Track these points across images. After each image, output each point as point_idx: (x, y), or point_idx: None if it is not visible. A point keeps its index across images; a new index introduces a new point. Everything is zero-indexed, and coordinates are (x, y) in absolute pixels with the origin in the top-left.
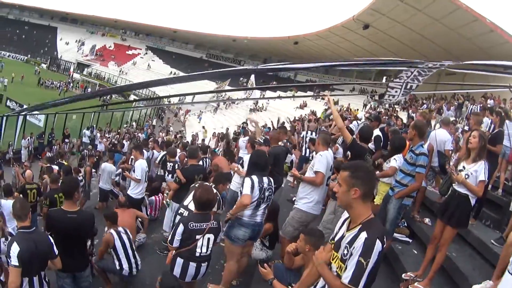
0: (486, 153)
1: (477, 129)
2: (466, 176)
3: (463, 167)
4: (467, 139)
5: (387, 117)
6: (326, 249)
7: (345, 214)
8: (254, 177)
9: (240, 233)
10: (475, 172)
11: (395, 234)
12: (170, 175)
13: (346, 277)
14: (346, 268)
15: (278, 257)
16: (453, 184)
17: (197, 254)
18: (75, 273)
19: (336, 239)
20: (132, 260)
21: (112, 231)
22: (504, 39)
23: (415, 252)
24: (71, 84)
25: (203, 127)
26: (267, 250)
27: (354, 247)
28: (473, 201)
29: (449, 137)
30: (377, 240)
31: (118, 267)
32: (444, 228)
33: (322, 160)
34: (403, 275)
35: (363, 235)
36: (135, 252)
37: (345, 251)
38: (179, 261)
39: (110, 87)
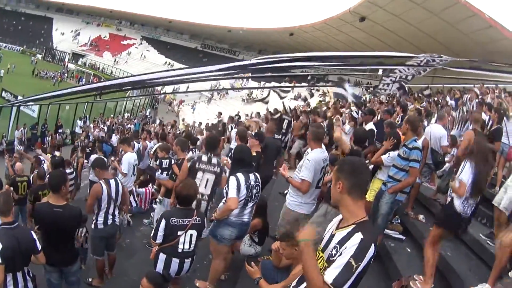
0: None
1: (475, 129)
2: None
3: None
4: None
5: (389, 106)
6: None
7: (338, 218)
8: (240, 175)
9: (227, 233)
10: (460, 172)
11: (388, 231)
12: (165, 173)
13: (330, 275)
14: (330, 266)
15: (267, 253)
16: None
17: (180, 250)
18: (62, 267)
19: (324, 241)
20: (109, 216)
21: (101, 181)
22: (503, 35)
23: (409, 250)
24: (66, 74)
25: (183, 119)
26: (256, 246)
27: (345, 247)
28: (457, 203)
29: (444, 133)
30: (372, 245)
31: (93, 226)
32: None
33: (309, 167)
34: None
35: (358, 235)
36: (116, 212)
37: (334, 251)
38: (162, 256)
39: (116, 80)
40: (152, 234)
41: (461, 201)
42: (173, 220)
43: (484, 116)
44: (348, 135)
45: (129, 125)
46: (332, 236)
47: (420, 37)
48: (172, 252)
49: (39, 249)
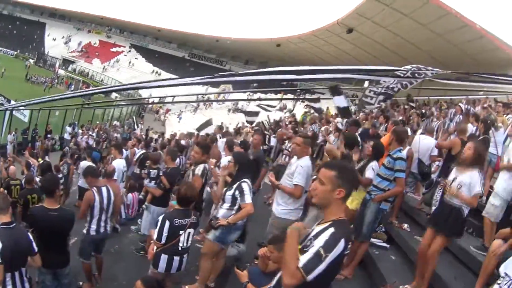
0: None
1: (472, 140)
2: (459, 186)
3: (454, 178)
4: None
5: (375, 119)
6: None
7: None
8: (249, 181)
9: (234, 236)
10: (468, 183)
11: (372, 240)
12: (153, 182)
13: (301, 261)
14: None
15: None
16: (445, 196)
17: (180, 248)
18: (56, 270)
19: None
20: (102, 224)
21: (93, 188)
22: (495, 45)
23: (393, 257)
24: (56, 80)
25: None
26: (238, 245)
27: (318, 239)
28: (466, 211)
29: (434, 144)
30: (342, 239)
31: (85, 232)
32: (434, 237)
33: (302, 173)
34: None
35: (331, 229)
36: (108, 220)
37: (308, 243)
38: (164, 257)
39: (112, 86)
40: (156, 236)
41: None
42: (176, 221)
43: (471, 127)
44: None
45: (115, 134)
46: (312, 230)
47: (409, 48)
48: (173, 252)
49: (36, 250)
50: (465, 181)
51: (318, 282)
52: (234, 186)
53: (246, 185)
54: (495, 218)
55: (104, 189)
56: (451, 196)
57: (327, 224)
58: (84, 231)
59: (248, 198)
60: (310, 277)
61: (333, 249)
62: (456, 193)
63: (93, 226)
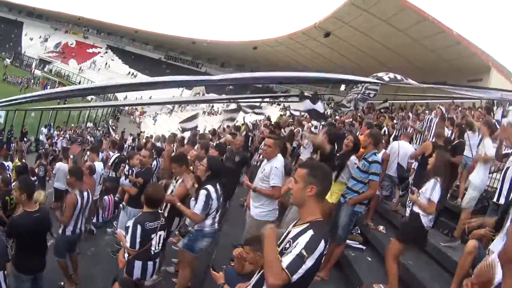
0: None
1: (438, 147)
2: (418, 194)
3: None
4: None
5: (350, 123)
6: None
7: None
8: (210, 188)
9: (204, 244)
10: (425, 190)
11: (348, 241)
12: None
13: (284, 262)
14: (284, 257)
15: (221, 248)
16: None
17: (152, 253)
18: (37, 274)
19: (281, 237)
20: (78, 225)
21: (76, 191)
22: (471, 52)
23: (369, 259)
24: (32, 80)
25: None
26: None
27: (298, 242)
28: (424, 220)
29: (412, 150)
30: (322, 240)
31: (60, 232)
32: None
33: (278, 174)
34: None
35: (310, 232)
36: (83, 221)
37: (287, 245)
38: (138, 264)
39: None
40: (128, 244)
41: (429, 218)
42: (147, 225)
43: (447, 131)
44: (307, 149)
45: (90, 137)
46: (288, 232)
47: (386, 53)
48: (146, 257)
49: (9, 257)
50: (422, 189)
51: (300, 283)
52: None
53: (203, 192)
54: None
55: (85, 193)
56: (414, 202)
57: (305, 226)
58: (60, 231)
59: (198, 208)
60: (295, 277)
61: (314, 250)
62: (415, 198)
63: (70, 227)
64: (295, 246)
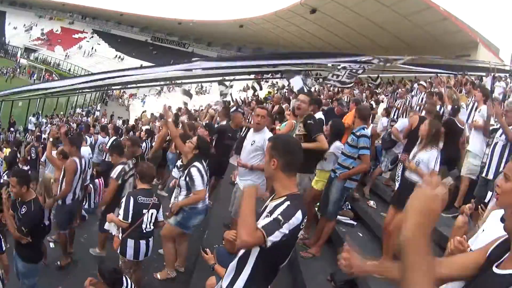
0: (445, 139)
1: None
2: (417, 163)
3: (414, 155)
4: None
5: (339, 96)
6: None
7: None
8: (199, 165)
9: (197, 221)
10: (426, 160)
11: (339, 217)
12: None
13: (260, 223)
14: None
15: (210, 228)
16: (406, 172)
17: (144, 231)
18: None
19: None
20: (77, 191)
21: (74, 158)
22: (458, 28)
23: (360, 234)
24: (18, 70)
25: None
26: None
27: (275, 212)
28: None
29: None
30: (299, 211)
31: (60, 202)
32: (395, 214)
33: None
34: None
35: (287, 203)
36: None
37: (265, 218)
38: (130, 242)
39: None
40: (122, 215)
41: None
42: (139, 199)
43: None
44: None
45: (72, 124)
46: (265, 207)
47: (373, 29)
48: (138, 235)
49: (3, 249)
50: (423, 158)
51: (276, 251)
52: (186, 171)
53: (195, 169)
54: (475, 176)
55: (83, 160)
56: (411, 171)
57: (282, 199)
58: (59, 201)
59: (198, 184)
60: (271, 238)
61: (291, 217)
62: (415, 168)
63: (70, 195)
64: (271, 214)
